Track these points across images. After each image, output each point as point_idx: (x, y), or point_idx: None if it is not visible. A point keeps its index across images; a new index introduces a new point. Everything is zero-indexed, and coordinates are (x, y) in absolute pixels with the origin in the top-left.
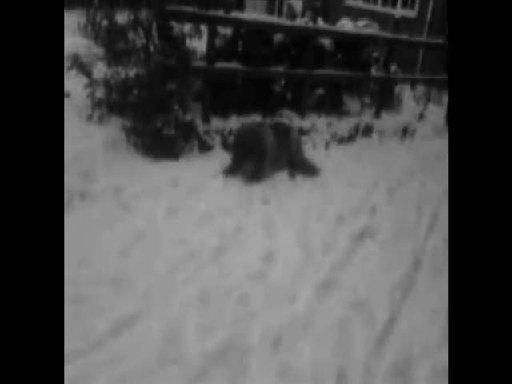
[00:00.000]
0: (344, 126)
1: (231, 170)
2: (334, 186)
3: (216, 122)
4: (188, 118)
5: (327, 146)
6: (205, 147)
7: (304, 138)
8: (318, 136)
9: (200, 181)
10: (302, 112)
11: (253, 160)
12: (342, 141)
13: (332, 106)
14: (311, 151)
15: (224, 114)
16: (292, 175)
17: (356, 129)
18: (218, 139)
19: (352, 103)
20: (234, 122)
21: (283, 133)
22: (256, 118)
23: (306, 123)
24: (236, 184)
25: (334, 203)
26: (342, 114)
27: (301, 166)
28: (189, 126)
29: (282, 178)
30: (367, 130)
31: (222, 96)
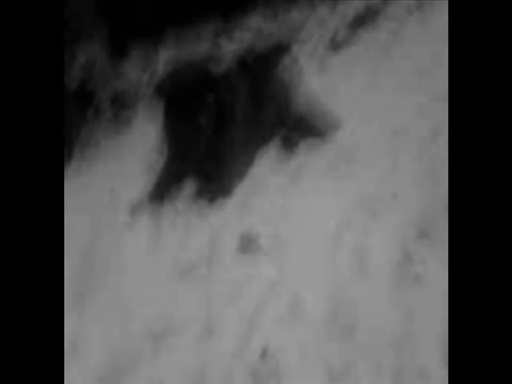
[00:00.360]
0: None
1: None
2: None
3: (137, 53)
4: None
5: (322, 61)
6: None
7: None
8: (304, 48)
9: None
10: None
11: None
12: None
13: None
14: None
15: (147, 34)
16: (291, 143)
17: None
18: (145, 80)
19: None
20: (167, 52)
21: (259, 70)
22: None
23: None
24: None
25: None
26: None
27: (302, 123)
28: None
29: (270, 158)
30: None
31: None
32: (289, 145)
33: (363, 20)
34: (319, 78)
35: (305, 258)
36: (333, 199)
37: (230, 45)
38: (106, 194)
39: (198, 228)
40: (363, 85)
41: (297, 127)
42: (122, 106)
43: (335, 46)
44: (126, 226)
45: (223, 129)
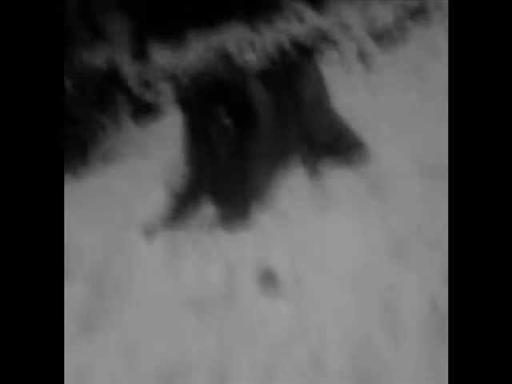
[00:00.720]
0: (385, 8)
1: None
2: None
3: (160, 56)
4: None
5: (362, 57)
6: (143, 111)
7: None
8: (346, 42)
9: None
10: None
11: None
12: (383, 37)
13: None
14: (339, 79)
15: (174, 34)
16: (313, 168)
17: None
18: (167, 89)
19: None
20: (194, 51)
21: (286, 76)
22: (236, 33)
23: (325, 20)
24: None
25: None
26: None
27: (329, 148)
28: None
29: (293, 180)
30: (421, 11)
31: None
32: (314, 171)
33: (395, 39)
34: (349, 99)
35: (327, 302)
36: (359, 235)
37: (252, 55)
38: (120, 213)
39: (214, 259)
40: (397, 110)
41: (323, 152)
42: (143, 117)
43: (366, 64)
44: (140, 249)
45: (244, 150)
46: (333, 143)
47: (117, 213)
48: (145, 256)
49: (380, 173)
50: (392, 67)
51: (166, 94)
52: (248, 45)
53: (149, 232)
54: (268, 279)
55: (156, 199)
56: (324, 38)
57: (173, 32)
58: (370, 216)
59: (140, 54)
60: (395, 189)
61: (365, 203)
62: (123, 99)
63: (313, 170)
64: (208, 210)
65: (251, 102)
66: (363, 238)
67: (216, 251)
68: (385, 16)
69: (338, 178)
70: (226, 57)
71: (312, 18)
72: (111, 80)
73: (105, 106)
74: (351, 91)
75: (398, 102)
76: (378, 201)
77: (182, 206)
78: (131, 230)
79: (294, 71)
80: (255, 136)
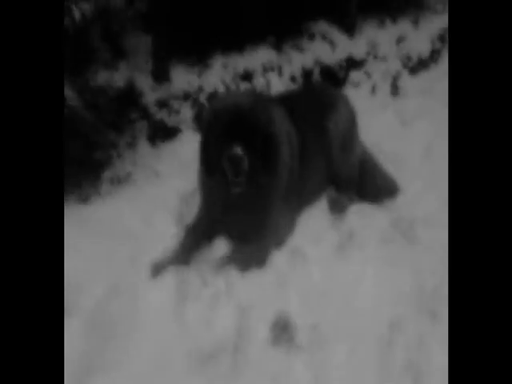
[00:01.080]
0: (423, 37)
1: (186, 252)
2: None
3: (180, 77)
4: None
5: (395, 85)
6: (161, 134)
7: (355, 80)
8: (379, 68)
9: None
10: (349, 23)
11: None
12: (418, 67)
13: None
14: (366, 101)
15: (197, 53)
16: (339, 206)
17: (442, 39)
18: (186, 112)
19: None
20: (217, 72)
21: (315, 109)
22: (263, 55)
23: (358, 46)
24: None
25: None
26: (420, 15)
27: (353, 183)
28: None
29: (314, 224)
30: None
31: (191, 17)
32: (337, 208)
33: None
34: (377, 132)
35: (348, 361)
36: (385, 282)
37: (279, 83)
38: (127, 245)
39: (225, 304)
40: (428, 144)
41: (347, 188)
42: (160, 141)
43: (395, 94)
44: (146, 288)
45: (262, 184)
46: (360, 181)
47: (124, 245)
48: (150, 295)
49: (408, 210)
50: (423, 97)
51: (186, 118)
52: (275, 71)
53: (156, 268)
54: (282, 328)
55: (166, 232)
56: (355, 66)
57: (197, 55)
58: (396, 258)
59: (161, 75)
60: (425, 231)
61: (391, 242)
62: (140, 121)
63: (336, 206)
64: (221, 247)
65: (273, 132)
66: (388, 284)
67: (227, 294)
68: (419, 45)
69: (363, 213)
70: (250, 82)
71: (344, 43)
72: (129, 101)
73: (121, 128)
74: (381, 123)
75: (429, 133)
76: (405, 242)
77: (194, 240)
78: (137, 265)
79: (322, 102)
80: (274, 170)
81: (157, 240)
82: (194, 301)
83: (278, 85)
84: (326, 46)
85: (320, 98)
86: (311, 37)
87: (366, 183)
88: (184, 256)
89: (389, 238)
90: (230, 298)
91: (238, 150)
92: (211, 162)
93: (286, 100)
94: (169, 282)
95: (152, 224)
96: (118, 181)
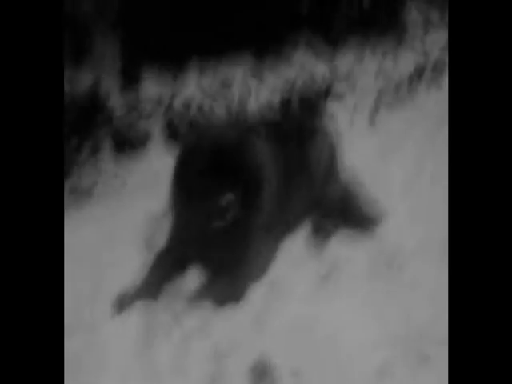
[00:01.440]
0: (401, 63)
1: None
2: None
3: (151, 83)
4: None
5: (374, 113)
6: (129, 142)
7: (333, 106)
8: (358, 94)
9: None
10: (333, 37)
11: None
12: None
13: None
14: (345, 132)
15: (171, 58)
16: (323, 232)
17: (420, 70)
18: (157, 118)
19: (409, 15)
20: (193, 79)
21: (296, 136)
22: (241, 62)
23: (341, 64)
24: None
25: None
26: (397, 40)
27: (338, 208)
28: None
29: (296, 252)
30: (436, 69)
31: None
32: (320, 235)
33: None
34: (361, 155)
35: None
36: (373, 322)
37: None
38: (87, 277)
39: (198, 345)
40: (414, 168)
41: (331, 213)
42: (126, 154)
43: (375, 120)
44: (107, 325)
45: (243, 216)
46: (344, 205)
47: (83, 277)
48: (112, 335)
49: (395, 241)
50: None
51: (155, 130)
52: (255, 79)
53: (120, 304)
54: (261, 375)
55: (132, 261)
56: (331, 91)
57: (171, 59)
58: (384, 292)
59: (131, 79)
60: (415, 261)
61: (379, 275)
62: (106, 130)
63: (319, 232)
64: (194, 279)
65: (257, 166)
66: (377, 324)
67: (199, 332)
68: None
69: (348, 241)
70: (229, 89)
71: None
72: (94, 103)
73: (85, 136)
74: (360, 149)
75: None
76: (393, 275)
77: (163, 272)
78: (99, 301)
79: (303, 128)
80: (257, 203)
81: (121, 271)
82: (162, 341)
83: (259, 94)
84: (310, 56)
85: (300, 124)
86: (294, 45)
87: (352, 208)
88: (151, 289)
89: (374, 270)
90: (203, 337)
91: (231, 196)
92: (188, 196)
93: (267, 127)
94: (133, 318)
95: (116, 252)
96: (80, 192)
